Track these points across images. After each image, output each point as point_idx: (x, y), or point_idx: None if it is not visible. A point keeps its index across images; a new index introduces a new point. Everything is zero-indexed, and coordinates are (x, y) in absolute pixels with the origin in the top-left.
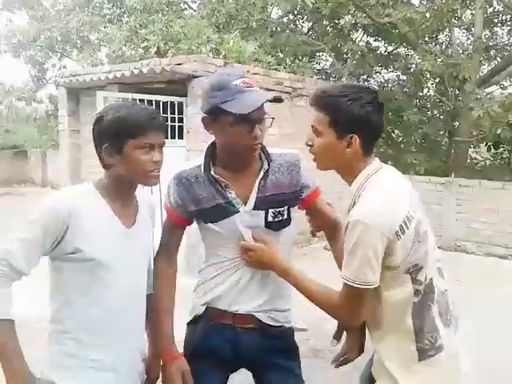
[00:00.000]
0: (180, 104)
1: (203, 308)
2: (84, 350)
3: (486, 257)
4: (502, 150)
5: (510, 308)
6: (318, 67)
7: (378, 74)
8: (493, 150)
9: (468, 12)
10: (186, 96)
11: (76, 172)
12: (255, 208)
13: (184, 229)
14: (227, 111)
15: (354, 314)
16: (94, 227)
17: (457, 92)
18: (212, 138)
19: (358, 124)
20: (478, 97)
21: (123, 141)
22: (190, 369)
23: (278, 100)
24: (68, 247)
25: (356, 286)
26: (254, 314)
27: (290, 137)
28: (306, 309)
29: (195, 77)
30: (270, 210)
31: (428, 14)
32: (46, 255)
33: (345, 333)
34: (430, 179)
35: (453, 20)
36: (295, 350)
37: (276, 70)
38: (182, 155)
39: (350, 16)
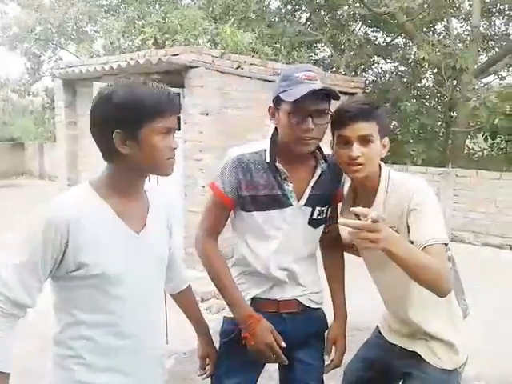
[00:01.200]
0: (177, 95)
1: (249, 302)
2: (91, 374)
3: (482, 247)
4: (499, 140)
5: (506, 297)
6: (315, 58)
7: (376, 65)
8: (490, 141)
9: (466, 2)
10: (182, 87)
11: (73, 163)
12: (306, 204)
13: (230, 211)
14: (284, 100)
15: (448, 275)
16: (97, 236)
17: (454, 82)
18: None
19: (388, 128)
20: (475, 87)
21: (139, 125)
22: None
23: (332, 95)
24: (71, 264)
25: (445, 242)
26: (297, 298)
27: None
28: None
29: (192, 67)
30: (317, 208)
31: (426, 4)
32: (48, 277)
33: (333, 347)
34: (427, 170)
35: (450, 10)
36: (324, 332)
37: (273, 60)
38: (179, 146)
39: (347, 6)
